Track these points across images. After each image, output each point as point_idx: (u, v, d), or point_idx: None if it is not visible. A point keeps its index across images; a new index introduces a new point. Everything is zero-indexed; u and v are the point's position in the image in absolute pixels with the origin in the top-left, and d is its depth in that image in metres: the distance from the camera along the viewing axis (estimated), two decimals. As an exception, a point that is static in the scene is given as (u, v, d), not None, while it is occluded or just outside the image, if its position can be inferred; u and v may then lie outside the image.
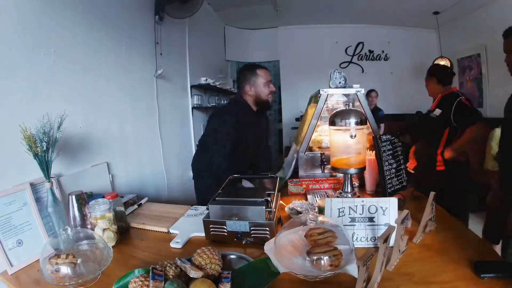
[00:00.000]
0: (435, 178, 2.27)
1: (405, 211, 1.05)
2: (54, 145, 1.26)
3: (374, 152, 1.75)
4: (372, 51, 5.58)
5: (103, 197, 1.32)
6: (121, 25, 2.18)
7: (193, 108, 3.48)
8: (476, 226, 3.39)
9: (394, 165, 1.74)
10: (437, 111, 2.31)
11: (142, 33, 2.50)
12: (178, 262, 0.89)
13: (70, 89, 1.68)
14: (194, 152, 3.50)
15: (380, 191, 1.74)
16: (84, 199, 1.28)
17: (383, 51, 5.57)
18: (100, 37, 1.95)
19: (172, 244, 1.24)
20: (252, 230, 1.20)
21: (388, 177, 1.69)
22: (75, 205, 1.25)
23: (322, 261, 0.92)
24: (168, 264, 0.88)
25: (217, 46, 4.93)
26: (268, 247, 1.06)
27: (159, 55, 2.68)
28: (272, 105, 2.11)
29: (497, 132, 3.82)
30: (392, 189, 1.68)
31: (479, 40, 4.46)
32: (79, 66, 1.76)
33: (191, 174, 3.43)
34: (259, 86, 1.94)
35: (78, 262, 0.96)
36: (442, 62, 4.55)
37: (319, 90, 2.04)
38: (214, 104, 3.96)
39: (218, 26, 5.00)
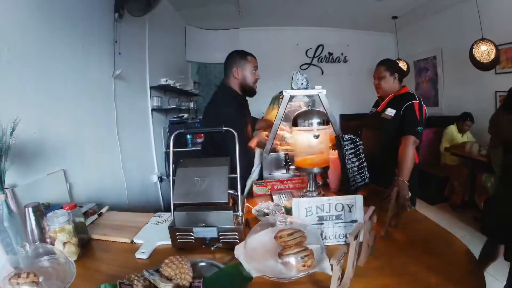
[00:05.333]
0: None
1: (372, 208, 1.08)
2: (7, 153, 1.14)
3: (337, 151, 1.80)
4: (332, 54, 5.78)
5: (61, 207, 1.21)
6: (78, 22, 2.05)
7: (152, 110, 3.36)
8: (439, 218, 3.66)
9: (357, 163, 1.80)
10: (390, 111, 2.12)
11: (100, 31, 2.37)
12: (146, 275, 0.84)
13: (23, 91, 1.55)
14: (155, 156, 3.42)
15: (344, 188, 1.79)
16: (42, 211, 1.17)
17: (342, 54, 5.79)
18: (56, 35, 1.82)
19: (138, 255, 1.17)
20: (221, 235, 1.17)
21: (351, 174, 1.75)
22: (32, 218, 1.12)
23: (294, 262, 0.92)
24: (136, 277, 0.83)
25: (177, 46, 4.82)
26: (239, 251, 1.04)
27: (117, 55, 2.55)
28: (256, 92, 2.11)
29: (450, 129, 4.15)
30: (355, 186, 1.74)
31: (435, 44, 4.80)
32: (33, 66, 1.63)
33: (152, 179, 3.35)
34: (247, 71, 1.98)
35: (40, 280, 0.87)
36: (400, 64, 4.81)
37: (281, 91, 2.06)
38: (174, 106, 3.86)
39: (179, 26, 4.88)
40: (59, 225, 1.12)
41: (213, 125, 1.70)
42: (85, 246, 1.26)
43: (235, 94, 2.02)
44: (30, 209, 1.13)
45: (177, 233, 1.18)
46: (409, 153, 1.86)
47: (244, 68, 1.98)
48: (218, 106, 1.96)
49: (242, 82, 2.00)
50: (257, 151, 2.07)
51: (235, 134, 1.29)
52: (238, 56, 1.99)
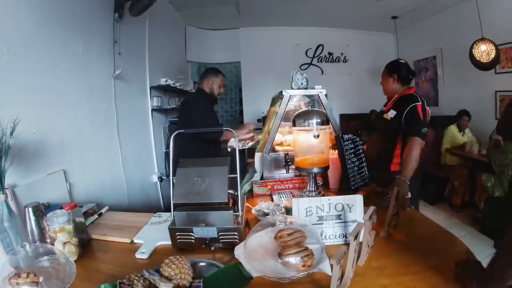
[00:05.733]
0: (389, 177, 1.97)
1: (372, 208, 1.08)
2: (7, 153, 1.14)
3: (336, 151, 1.80)
4: (332, 53, 5.77)
5: (61, 207, 1.21)
6: (78, 23, 2.05)
7: (152, 110, 3.36)
8: (439, 218, 3.66)
9: (357, 163, 1.80)
10: (391, 113, 2.07)
11: (100, 32, 2.37)
12: (146, 275, 0.84)
13: (23, 91, 1.55)
14: (155, 156, 3.42)
15: (344, 188, 1.79)
16: (42, 211, 1.17)
17: (342, 54, 5.79)
18: (56, 35, 1.82)
19: (138, 255, 1.18)
20: (221, 235, 1.17)
21: (351, 174, 1.75)
22: (32, 218, 1.13)
23: (295, 262, 0.92)
24: (136, 277, 0.83)
25: (177, 46, 4.81)
26: (239, 251, 1.04)
27: (117, 55, 2.55)
28: (217, 101, 2.83)
29: (450, 129, 4.15)
30: (355, 186, 1.74)
31: (435, 44, 4.79)
32: (33, 66, 1.63)
33: (152, 179, 3.35)
34: (216, 84, 2.66)
35: (40, 280, 0.87)
36: (400, 63, 4.81)
37: (281, 91, 2.06)
38: (174, 106, 3.86)
39: (179, 26, 4.88)
40: (59, 225, 1.12)
41: (192, 116, 2.44)
42: (85, 246, 1.26)
43: (208, 96, 2.66)
44: (30, 209, 1.13)
45: (177, 233, 1.18)
46: (414, 153, 1.83)
47: (214, 82, 2.64)
48: (197, 102, 2.59)
49: (210, 91, 2.65)
50: (257, 159, 2.06)
51: (235, 134, 1.29)
52: (215, 72, 2.68)
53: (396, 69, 2.14)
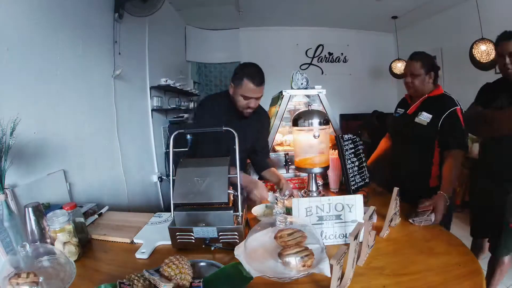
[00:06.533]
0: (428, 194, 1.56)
1: (372, 208, 1.08)
2: (7, 153, 1.14)
3: (337, 151, 1.80)
4: (332, 54, 5.77)
5: (61, 207, 1.22)
6: (78, 23, 2.05)
7: (152, 110, 3.36)
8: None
9: (357, 163, 1.80)
10: (426, 116, 1.76)
11: (100, 32, 2.37)
12: (146, 275, 0.84)
13: (23, 91, 1.55)
14: (155, 156, 3.42)
15: (344, 188, 1.79)
16: (42, 211, 1.17)
17: (342, 54, 5.78)
18: (56, 35, 1.82)
19: (138, 255, 1.17)
20: (221, 235, 1.17)
21: (351, 174, 1.75)
22: (32, 218, 1.12)
23: (294, 262, 0.92)
24: (136, 277, 0.83)
25: (177, 46, 4.81)
26: (239, 251, 1.04)
27: (117, 55, 2.55)
28: (247, 117, 1.74)
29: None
30: (355, 186, 1.74)
31: (435, 44, 4.78)
32: (33, 66, 1.63)
33: (152, 179, 3.35)
34: (237, 93, 1.65)
35: (40, 280, 0.87)
36: (399, 64, 4.80)
37: (281, 91, 2.06)
38: (174, 106, 3.86)
39: (179, 26, 4.88)
40: (59, 225, 1.12)
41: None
42: (85, 246, 1.26)
43: (226, 101, 1.73)
44: (30, 209, 1.12)
45: (177, 233, 1.18)
46: (458, 169, 1.63)
47: (236, 89, 1.65)
48: (200, 104, 2.10)
49: (232, 100, 1.71)
50: None
51: (235, 134, 1.29)
52: (239, 72, 1.65)
53: (434, 66, 1.86)
